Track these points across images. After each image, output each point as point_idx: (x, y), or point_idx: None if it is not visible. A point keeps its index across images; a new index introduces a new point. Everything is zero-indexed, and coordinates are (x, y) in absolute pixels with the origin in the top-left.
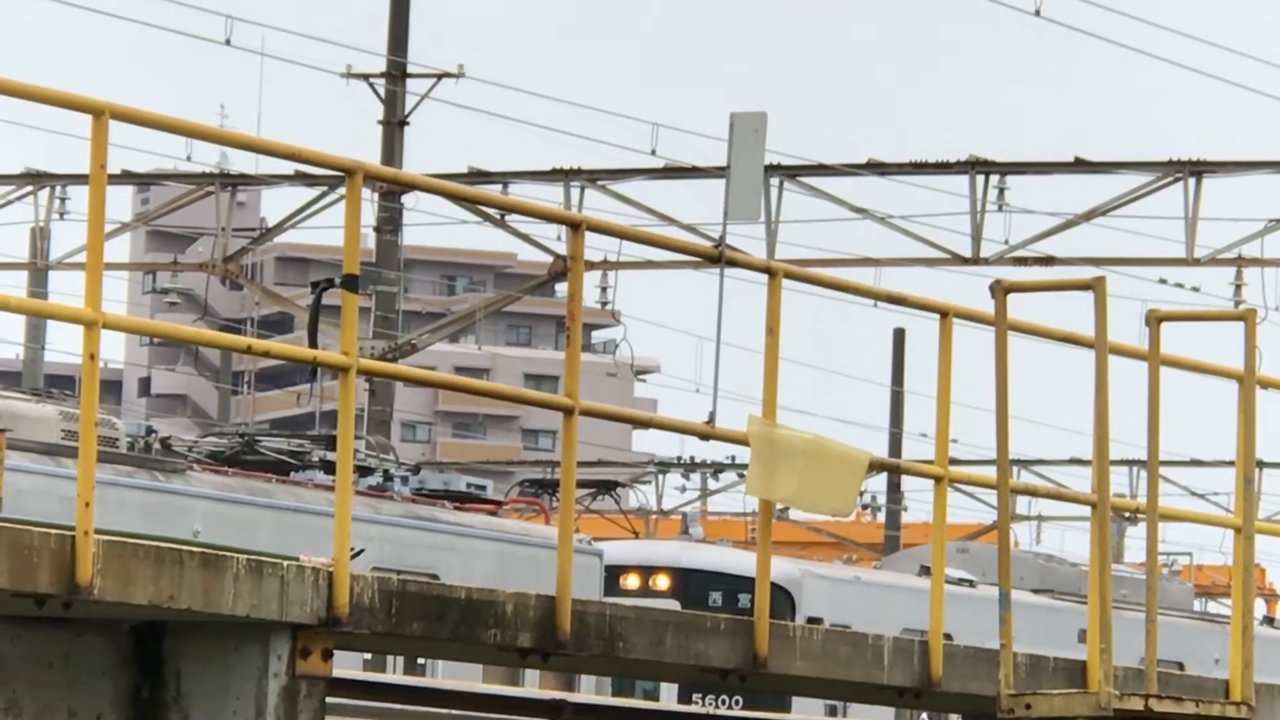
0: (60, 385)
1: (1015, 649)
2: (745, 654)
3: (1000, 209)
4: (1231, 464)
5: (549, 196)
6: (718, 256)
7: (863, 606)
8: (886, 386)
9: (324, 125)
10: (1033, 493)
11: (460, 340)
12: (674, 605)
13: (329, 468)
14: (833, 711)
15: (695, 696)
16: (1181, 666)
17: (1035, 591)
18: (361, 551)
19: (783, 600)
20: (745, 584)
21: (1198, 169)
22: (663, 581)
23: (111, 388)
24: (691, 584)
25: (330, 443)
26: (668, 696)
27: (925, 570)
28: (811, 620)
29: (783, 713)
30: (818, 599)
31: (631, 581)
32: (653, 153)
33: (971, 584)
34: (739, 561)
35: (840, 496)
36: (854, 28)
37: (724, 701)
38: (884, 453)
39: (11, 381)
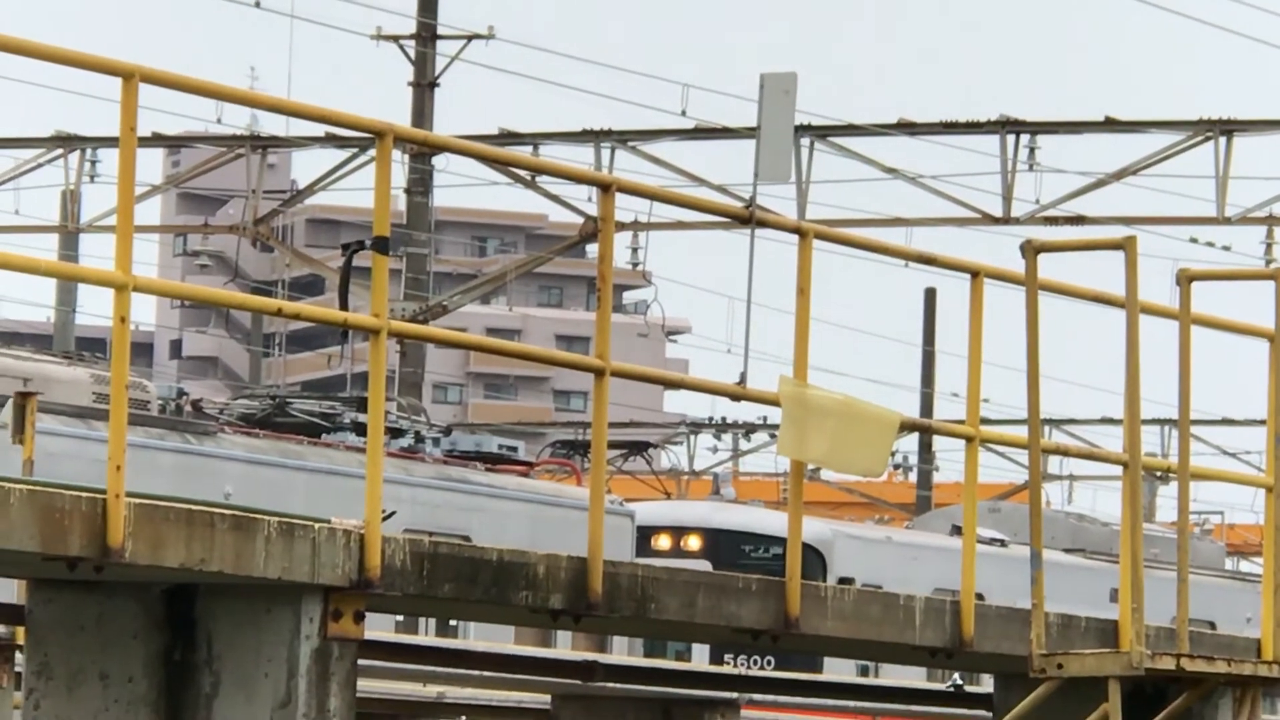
0: (91, 348)
1: (1047, 609)
2: (777, 615)
3: (1031, 168)
4: (1263, 423)
5: (579, 158)
6: (748, 217)
7: (894, 566)
8: (918, 346)
9: (354, 87)
10: (1064, 452)
11: (491, 301)
12: (706, 566)
13: (360, 430)
14: (864, 671)
15: (727, 657)
16: (1213, 625)
17: (1067, 551)
18: (393, 514)
19: (814, 560)
20: (777, 544)
21: (1228, 128)
22: (694, 542)
23: (142, 350)
24: (723, 544)
25: (361, 404)
26: (699, 657)
27: (957, 530)
28: (843, 580)
29: (814, 673)
30: (849, 559)
31: (663, 542)
32: (683, 113)
33: (1003, 543)
34: (770, 522)
35: (872, 457)
36: None
37: (755, 662)
38: (915, 413)
39: (43, 344)
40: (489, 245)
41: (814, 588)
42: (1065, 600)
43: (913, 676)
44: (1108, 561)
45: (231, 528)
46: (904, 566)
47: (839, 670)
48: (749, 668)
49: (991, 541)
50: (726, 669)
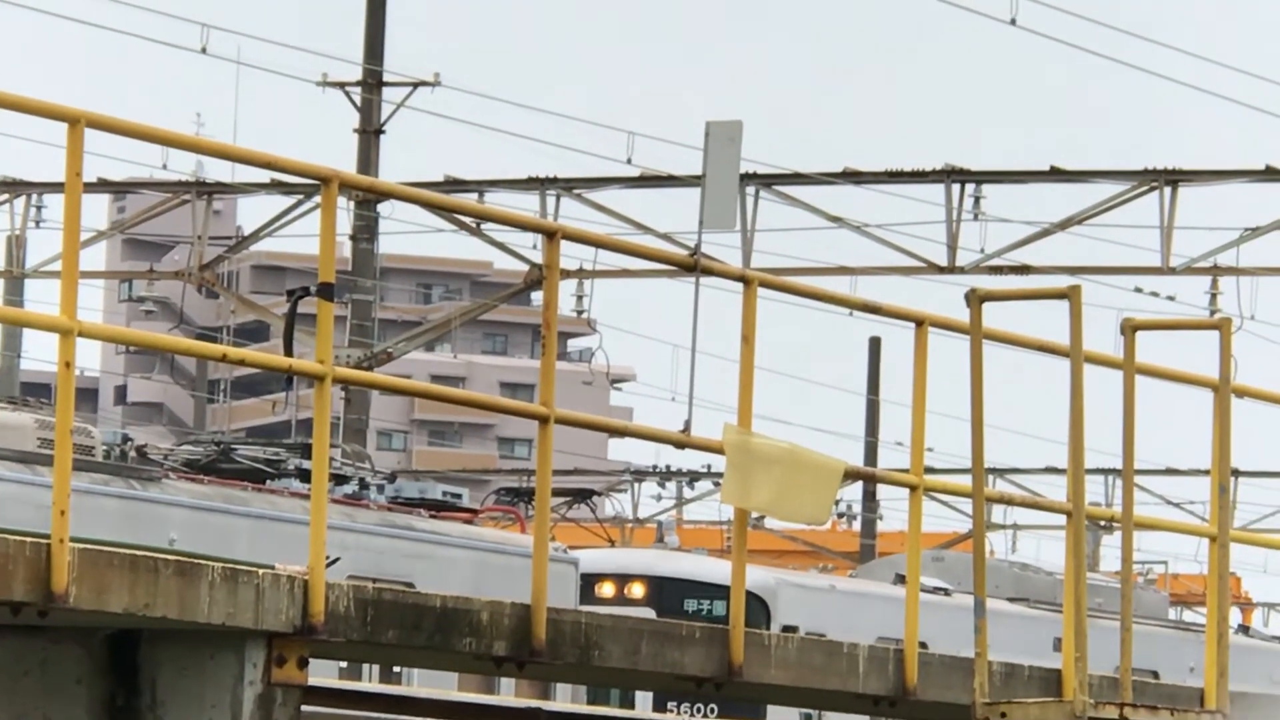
0: (36, 393)
1: (990, 657)
2: (721, 662)
3: (976, 218)
4: (1207, 473)
5: (525, 205)
6: (693, 265)
7: (838, 615)
8: (862, 395)
9: (300, 133)
10: (1008, 501)
11: (436, 348)
12: (649, 613)
13: (305, 476)
14: (807, 719)
15: (670, 704)
16: (1156, 675)
17: (1010, 600)
18: (337, 560)
19: (758, 608)
20: (721, 592)
21: (1173, 178)
22: (638, 590)
23: (87, 396)
24: (667, 592)
25: (306, 451)
26: (643, 704)
27: (900, 579)
28: (786, 628)
29: None
30: (793, 607)
31: (607, 590)
32: (628, 161)
33: (947, 592)
34: (714, 570)
35: (816, 505)
36: (829, 37)
37: (699, 709)
38: (859, 462)
39: None
40: (434, 292)
41: (758, 636)
42: (1009, 649)
43: None
44: (1051, 611)
45: (176, 573)
46: (848, 615)
47: (781, 718)
48: (693, 715)
49: (935, 590)
50: (670, 717)
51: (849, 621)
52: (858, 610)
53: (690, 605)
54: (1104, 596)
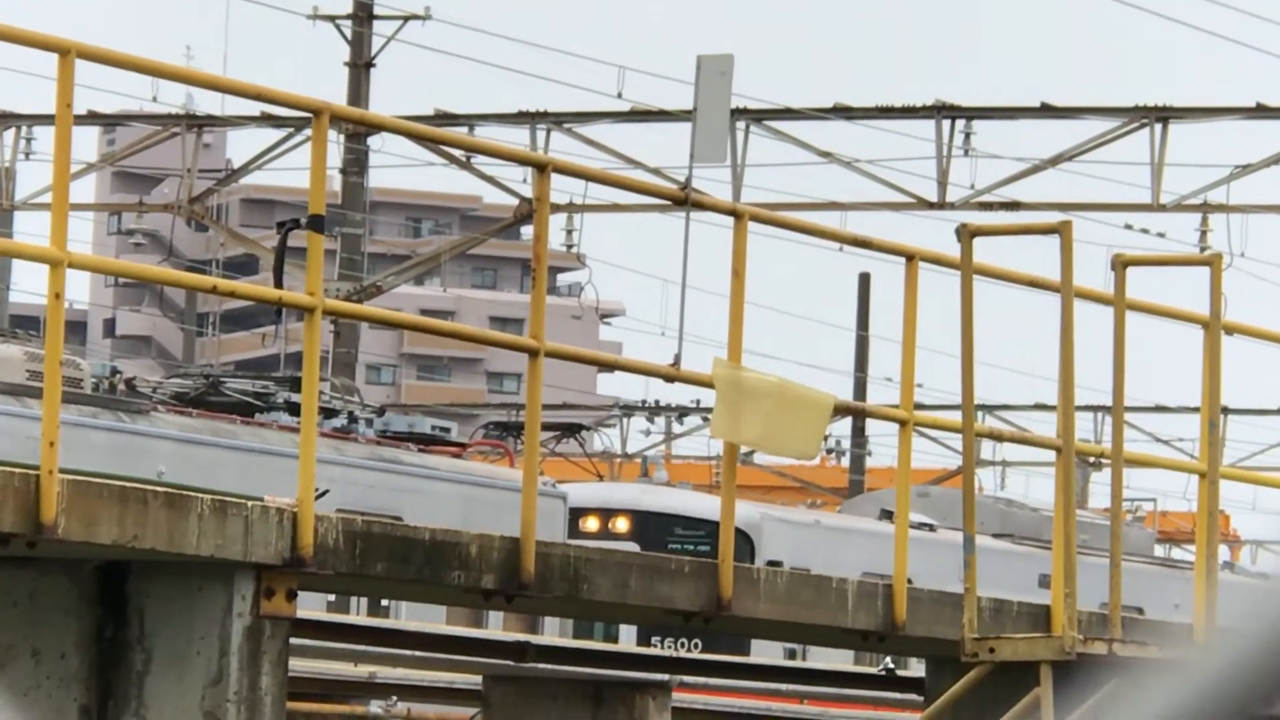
0: (25, 325)
1: (978, 593)
2: (709, 597)
3: (966, 154)
4: (1196, 410)
5: (515, 139)
6: (684, 199)
7: (822, 550)
8: (852, 331)
9: (290, 67)
10: (998, 437)
11: (425, 282)
12: (633, 548)
13: (294, 409)
14: (791, 655)
15: (654, 639)
16: (1141, 611)
17: (995, 536)
18: (326, 493)
19: (742, 544)
20: (705, 527)
21: (1164, 115)
22: (622, 524)
23: (76, 328)
24: (651, 527)
25: (295, 384)
26: (626, 638)
27: (885, 514)
28: (771, 563)
29: (741, 655)
30: (777, 542)
31: (591, 524)
32: (619, 95)
33: (932, 528)
34: (698, 504)
35: (805, 440)
36: None
37: (683, 644)
38: (849, 397)
39: None
40: (424, 226)
41: (747, 570)
42: (993, 585)
43: (840, 661)
44: (1036, 547)
45: (164, 505)
46: (832, 550)
47: (766, 654)
48: (676, 649)
49: (920, 526)
50: (658, 651)
51: (834, 556)
52: (842, 545)
53: (675, 540)
54: (1089, 533)
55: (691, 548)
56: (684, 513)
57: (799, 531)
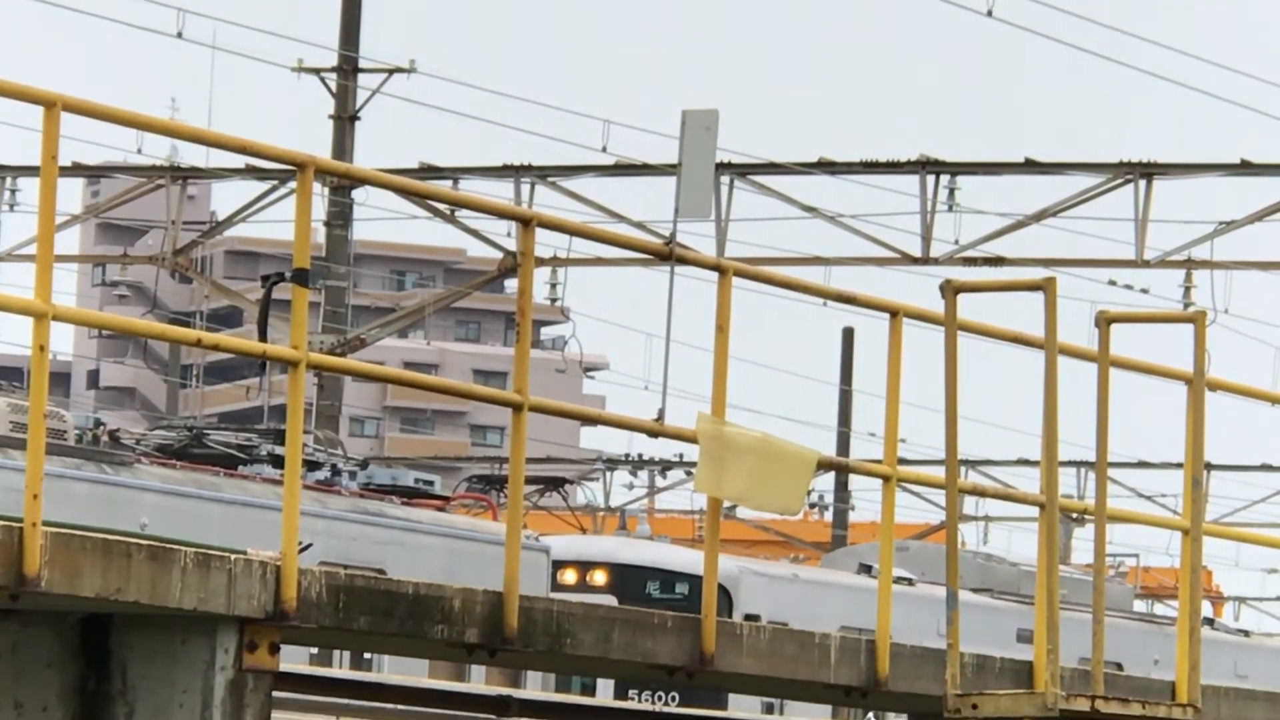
0: (9, 377)
1: (960, 649)
2: (692, 651)
3: (950, 209)
4: (1179, 466)
5: (500, 192)
6: (668, 254)
7: (801, 604)
8: (835, 386)
9: (275, 119)
10: (981, 493)
11: (409, 335)
12: (611, 600)
13: (277, 462)
14: (769, 709)
15: (632, 692)
16: (1120, 667)
17: (974, 590)
18: (309, 546)
19: (720, 597)
20: (683, 580)
21: (1148, 171)
22: (600, 577)
23: (60, 380)
24: (629, 580)
25: (279, 437)
26: (604, 692)
27: (864, 568)
28: (749, 617)
29: (719, 710)
30: (755, 596)
31: (569, 576)
32: (604, 149)
33: (911, 582)
34: (676, 558)
35: (789, 495)
36: (806, 27)
37: (660, 698)
38: (832, 452)
39: None
40: (407, 279)
41: (729, 625)
42: (972, 640)
43: (820, 715)
44: (1015, 601)
45: (148, 558)
46: (811, 604)
47: (743, 708)
48: (654, 703)
49: (899, 580)
50: (640, 706)
51: (812, 610)
52: (821, 599)
53: (653, 592)
54: (1069, 588)
55: (670, 601)
56: (662, 566)
57: (777, 585)
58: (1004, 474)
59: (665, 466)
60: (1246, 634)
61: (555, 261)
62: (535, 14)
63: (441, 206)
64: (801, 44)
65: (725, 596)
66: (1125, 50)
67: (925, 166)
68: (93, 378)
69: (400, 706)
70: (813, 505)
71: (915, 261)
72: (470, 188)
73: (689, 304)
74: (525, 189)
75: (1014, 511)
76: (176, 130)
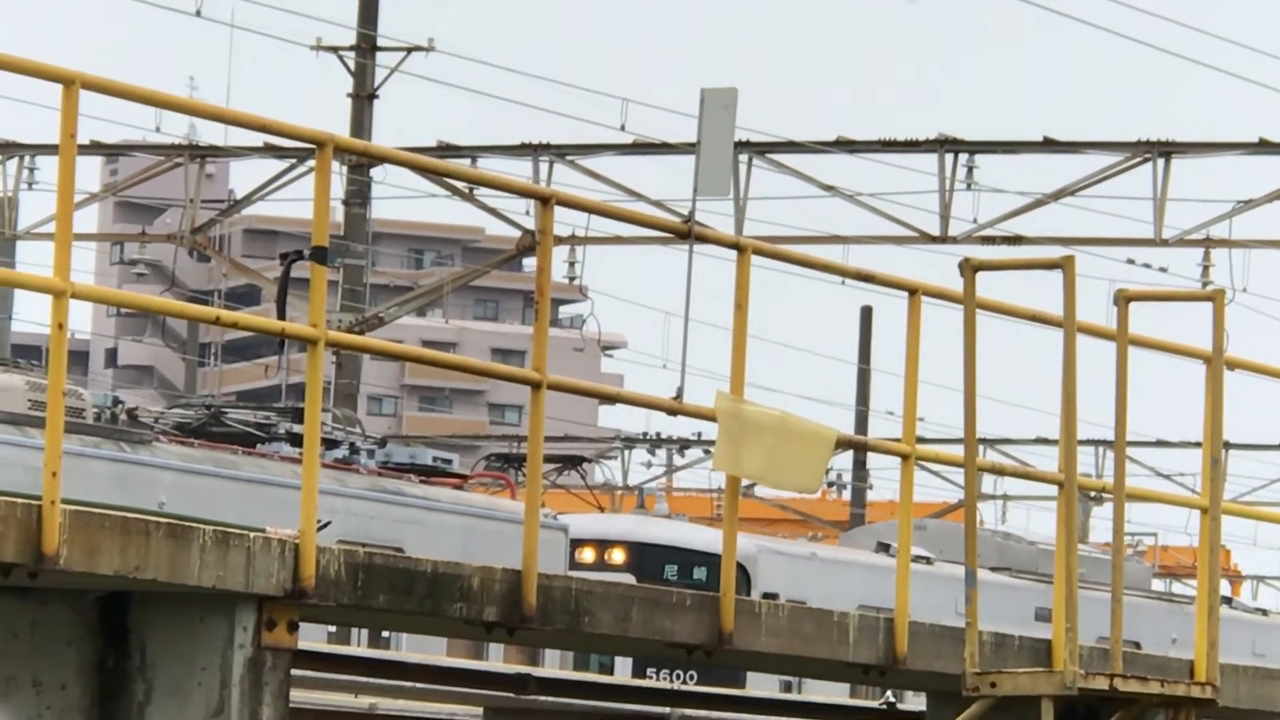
0: (27, 355)
1: (979, 627)
2: (710, 630)
3: (969, 187)
4: (1198, 445)
5: (518, 171)
6: (687, 232)
7: (818, 582)
8: (853, 364)
9: (293, 98)
10: (1000, 471)
11: (427, 314)
12: (629, 579)
13: (295, 440)
14: (786, 688)
15: (650, 671)
16: (1138, 645)
17: (993, 569)
18: (328, 524)
19: (738, 575)
20: (700, 558)
21: (1166, 149)
22: (618, 555)
23: (78, 358)
24: (647, 558)
25: (297, 415)
26: (622, 670)
27: (882, 547)
28: (766, 595)
29: (737, 688)
30: (773, 574)
31: (587, 555)
32: (622, 128)
33: (929, 561)
34: (694, 536)
35: (807, 473)
36: (825, 5)
37: (678, 676)
38: (851, 430)
39: None
40: (426, 258)
41: (748, 603)
42: (990, 618)
43: (836, 693)
44: (1033, 580)
45: (166, 536)
46: (829, 583)
47: (761, 686)
48: (672, 682)
49: (917, 559)
50: (660, 684)
51: (829, 589)
52: (839, 578)
53: (670, 571)
54: (1088, 567)
55: (688, 579)
56: (680, 544)
57: (795, 564)
58: (1022, 452)
59: (683, 445)
60: (1265, 613)
61: (574, 240)
62: None
63: (460, 185)
64: (820, 22)
65: (744, 575)
66: (1144, 29)
67: (944, 145)
68: (111, 356)
69: (419, 684)
70: (831, 484)
71: (934, 240)
72: (489, 166)
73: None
74: (544, 167)
75: (1033, 490)
76: (195, 108)
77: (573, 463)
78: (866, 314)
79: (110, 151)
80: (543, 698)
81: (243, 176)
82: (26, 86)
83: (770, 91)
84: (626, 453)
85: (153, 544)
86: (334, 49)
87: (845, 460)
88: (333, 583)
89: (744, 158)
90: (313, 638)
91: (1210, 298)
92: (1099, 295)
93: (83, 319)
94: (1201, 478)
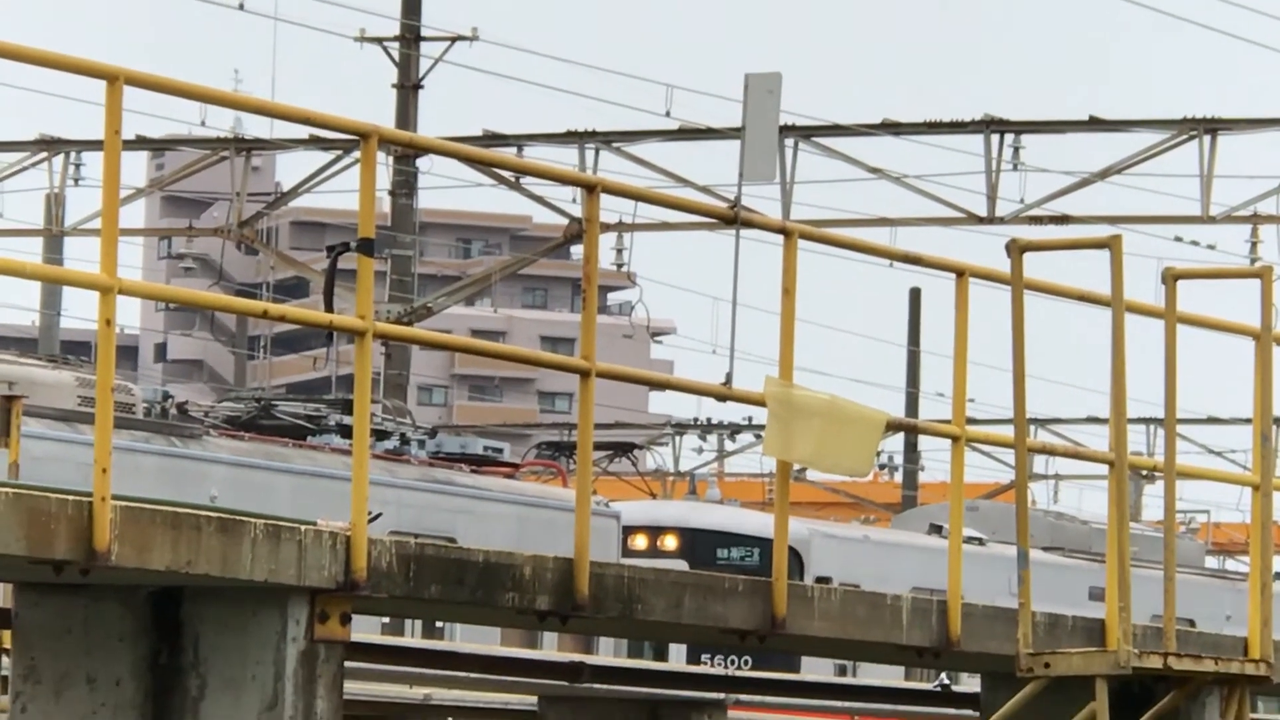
0: (76, 351)
1: (1032, 608)
2: (763, 615)
3: (1015, 168)
4: (1248, 421)
5: (564, 159)
6: (733, 217)
7: (871, 565)
8: (902, 346)
9: (338, 89)
10: (1050, 451)
11: (476, 303)
12: (682, 565)
13: (346, 432)
14: (841, 671)
15: (704, 657)
16: (1193, 623)
17: (1045, 549)
18: (379, 515)
19: (791, 560)
20: (753, 543)
21: (1212, 126)
22: (670, 541)
23: (127, 353)
24: (699, 544)
25: (347, 407)
26: (676, 656)
27: (934, 529)
28: (820, 579)
29: (792, 672)
30: (826, 558)
31: (640, 542)
32: (667, 114)
33: (981, 542)
34: (747, 521)
35: (858, 456)
36: None
37: (733, 661)
38: (900, 413)
39: (28, 348)
40: (473, 247)
41: (800, 588)
42: (1043, 599)
43: (890, 676)
44: (1086, 559)
45: (218, 530)
46: (881, 565)
47: (816, 670)
48: (726, 667)
49: (969, 540)
50: (714, 670)
51: (883, 572)
52: (891, 560)
53: (723, 557)
54: (1139, 545)
55: (741, 564)
56: (732, 530)
57: (847, 547)
58: (1073, 432)
59: (734, 430)
60: None
61: (620, 227)
62: None
63: (506, 174)
64: (865, 5)
65: (796, 559)
66: (1189, 6)
67: (989, 126)
68: (160, 350)
69: (473, 674)
70: (882, 466)
71: (981, 221)
72: (534, 154)
73: (755, 267)
74: (589, 155)
75: (1084, 470)
76: (240, 102)
77: (624, 449)
78: (915, 296)
79: (156, 146)
80: (597, 685)
81: (289, 169)
82: (72, 84)
83: (815, 75)
84: (677, 439)
85: (204, 538)
86: (378, 40)
87: (896, 443)
88: (384, 574)
89: (789, 141)
90: (366, 630)
91: (1258, 274)
92: (1147, 273)
93: (131, 314)
94: (1252, 454)
